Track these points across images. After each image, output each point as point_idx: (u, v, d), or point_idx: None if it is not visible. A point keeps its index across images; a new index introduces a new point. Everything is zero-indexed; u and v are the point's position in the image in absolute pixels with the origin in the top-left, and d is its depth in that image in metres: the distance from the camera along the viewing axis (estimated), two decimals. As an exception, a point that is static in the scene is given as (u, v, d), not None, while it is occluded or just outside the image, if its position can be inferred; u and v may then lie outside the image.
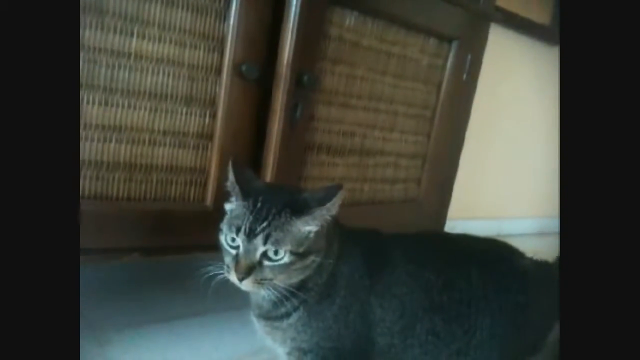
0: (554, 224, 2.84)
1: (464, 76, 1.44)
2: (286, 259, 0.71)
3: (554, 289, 0.87)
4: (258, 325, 0.82)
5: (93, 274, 1.26)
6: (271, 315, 0.78)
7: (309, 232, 0.73)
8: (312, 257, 0.73)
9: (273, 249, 0.70)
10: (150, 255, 0.99)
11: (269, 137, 1.03)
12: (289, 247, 0.71)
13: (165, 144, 0.97)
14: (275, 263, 0.71)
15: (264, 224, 0.71)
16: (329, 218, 0.73)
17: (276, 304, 0.76)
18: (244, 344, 1.13)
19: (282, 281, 0.73)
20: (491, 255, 0.88)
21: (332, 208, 0.73)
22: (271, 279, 0.72)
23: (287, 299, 0.74)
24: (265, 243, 0.70)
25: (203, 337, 1.15)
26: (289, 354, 0.80)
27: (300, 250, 0.72)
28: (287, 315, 0.77)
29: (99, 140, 0.89)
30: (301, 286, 0.75)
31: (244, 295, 0.84)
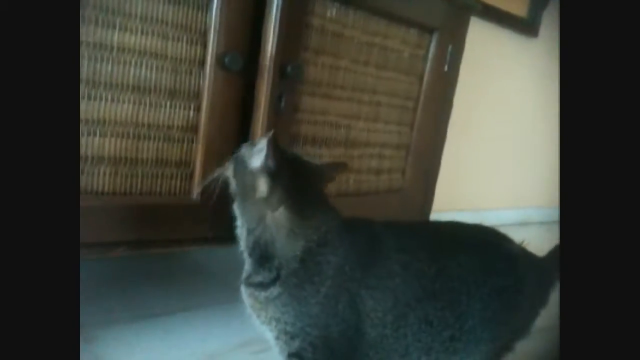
0: (536, 213, 2.89)
1: (446, 67, 1.46)
2: (230, 174, 0.83)
3: (541, 274, 0.89)
4: (244, 296, 0.83)
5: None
6: (251, 282, 0.80)
7: (254, 167, 0.79)
8: (243, 200, 0.81)
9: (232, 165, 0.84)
10: (136, 250, 0.98)
11: (254, 128, 1.03)
12: (232, 168, 0.83)
13: (150, 138, 0.96)
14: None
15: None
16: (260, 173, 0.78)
17: (256, 270, 0.80)
18: (232, 337, 1.13)
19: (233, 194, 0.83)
20: (480, 241, 0.89)
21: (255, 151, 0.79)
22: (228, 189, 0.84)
23: (261, 262, 0.79)
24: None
25: (191, 332, 1.15)
26: (277, 338, 0.80)
27: (236, 178, 0.82)
28: (264, 286, 0.78)
29: (82, 134, 0.88)
30: (266, 255, 0.79)
31: (231, 290, 0.85)
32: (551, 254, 0.94)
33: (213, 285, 1.35)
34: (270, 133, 0.77)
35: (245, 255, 0.83)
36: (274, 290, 0.78)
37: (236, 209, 0.83)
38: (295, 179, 0.80)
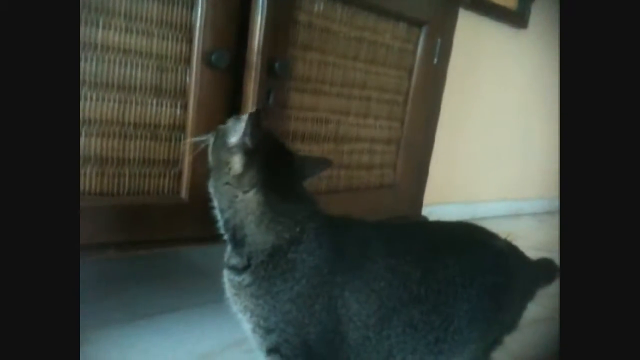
0: (528, 205, 2.90)
1: (435, 60, 1.45)
2: (210, 146, 0.82)
3: (527, 269, 0.89)
4: (224, 279, 0.81)
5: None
6: (229, 264, 0.79)
7: (231, 142, 0.77)
8: (217, 178, 0.79)
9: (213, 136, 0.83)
10: (125, 251, 0.97)
11: (242, 126, 1.02)
12: (212, 139, 0.82)
13: (136, 137, 0.95)
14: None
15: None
16: (233, 155, 0.77)
17: (232, 252, 0.79)
18: (226, 336, 1.12)
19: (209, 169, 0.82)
20: (467, 240, 0.88)
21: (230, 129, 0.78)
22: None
23: (235, 245, 0.78)
24: None
25: (185, 332, 1.14)
26: (253, 331, 0.79)
27: (213, 151, 0.81)
28: (237, 270, 0.77)
29: (67, 134, 0.87)
30: (237, 240, 0.77)
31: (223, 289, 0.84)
32: (539, 260, 0.94)
33: (206, 284, 1.34)
34: (255, 108, 0.74)
35: (225, 236, 0.81)
36: (246, 278, 0.76)
37: (210, 187, 0.81)
38: (274, 164, 0.78)
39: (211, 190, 0.81)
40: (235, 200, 0.77)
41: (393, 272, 0.78)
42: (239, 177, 0.76)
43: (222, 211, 0.79)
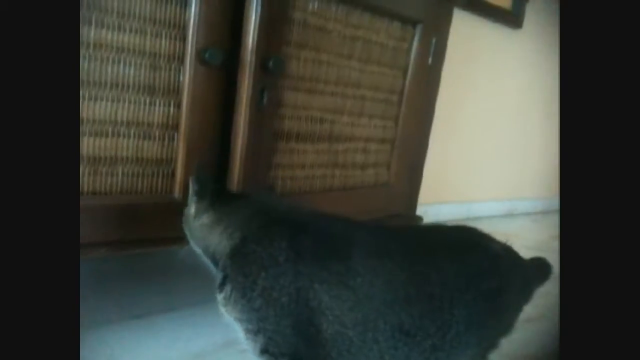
0: (522, 205, 2.91)
1: (430, 60, 1.45)
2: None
3: (524, 272, 0.89)
4: (219, 305, 0.83)
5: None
6: (217, 287, 0.82)
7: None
8: (188, 230, 0.90)
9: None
10: (118, 250, 0.96)
11: (235, 124, 1.02)
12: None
13: (129, 136, 0.94)
14: None
15: None
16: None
17: (217, 276, 0.83)
18: (219, 336, 1.12)
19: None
20: (462, 244, 0.85)
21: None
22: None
23: (214, 264, 0.85)
24: None
25: (177, 331, 1.13)
26: (245, 338, 0.79)
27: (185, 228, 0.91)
28: (220, 287, 0.80)
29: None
30: (209, 255, 0.86)
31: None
32: (532, 260, 0.94)
33: (199, 284, 1.34)
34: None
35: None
36: (227, 289, 0.79)
37: (193, 246, 0.90)
38: (220, 193, 0.88)
39: (193, 246, 0.90)
40: (199, 228, 0.86)
41: (375, 271, 0.76)
42: (196, 213, 0.87)
43: (203, 250, 0.88)
